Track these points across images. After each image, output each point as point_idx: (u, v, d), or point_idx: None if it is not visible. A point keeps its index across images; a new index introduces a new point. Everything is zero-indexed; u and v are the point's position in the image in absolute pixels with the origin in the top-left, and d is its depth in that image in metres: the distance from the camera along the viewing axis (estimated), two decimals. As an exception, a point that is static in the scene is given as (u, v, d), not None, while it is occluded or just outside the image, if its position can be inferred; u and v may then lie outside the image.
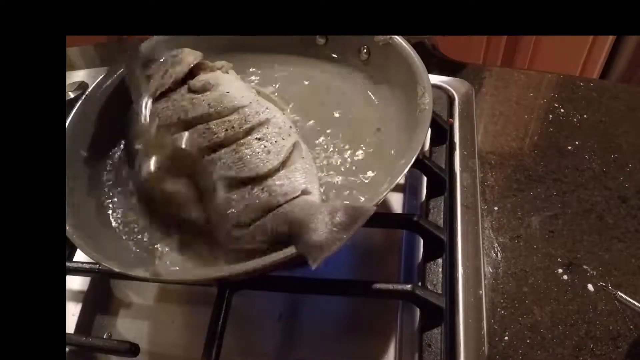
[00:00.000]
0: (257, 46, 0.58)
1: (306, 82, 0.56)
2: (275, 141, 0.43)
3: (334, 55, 0.58)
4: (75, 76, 0.74)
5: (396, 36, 0.51)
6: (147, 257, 0.44)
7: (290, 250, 0.36)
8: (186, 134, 0.44)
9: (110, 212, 0.48)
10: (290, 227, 0.38)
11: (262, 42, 0.58)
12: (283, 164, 0.42)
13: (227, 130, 0.44)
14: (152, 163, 0.45)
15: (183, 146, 0.44)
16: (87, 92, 0.52)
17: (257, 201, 0.40)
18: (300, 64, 0.58)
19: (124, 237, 0.46)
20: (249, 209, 0.40)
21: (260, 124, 0.44)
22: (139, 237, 0.46)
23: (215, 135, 0.43)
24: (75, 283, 0.53)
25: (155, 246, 0.44)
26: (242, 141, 0.43)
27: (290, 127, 0.46)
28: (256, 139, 0.43)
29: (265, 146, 0.43)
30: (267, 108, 0.46)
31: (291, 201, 0.40)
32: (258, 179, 0.41)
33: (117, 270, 0.38)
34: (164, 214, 0.45)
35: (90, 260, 0.51)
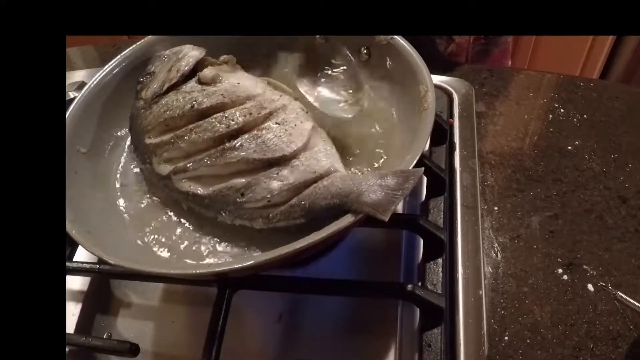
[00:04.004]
0: (256, 46, 0.58)
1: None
2: (295, 125, 0.43)
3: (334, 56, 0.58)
4: (75, 76, 0.74)
5: (397, 36, 0.51)
6: (157, 251, 0.44)
7: (352, 216, 0.36)
8: (203, 122, 0.44)
9: (118, 207, 0.47)
10: (339, 197, 0.38)
11: (261, 42, 0.58)
12: (305, 146, 0.42)
13: (245, 116, 0.43)
14: (169, 158, 0.45)
15: (200, 134, 0.44)
16: (87, 87, 0.51)
17: (288, 180, 0.40)
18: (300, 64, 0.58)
19: (132, 233, 0.45)
20: (282, 189, 0.40)
21: (277, 109, 0.44)
22: (151, 232, 0.45)
23: (234, 122, 0.43)
24: (75, 283, 0.53)
25: (176, 238, 0.45)
26: (261, 126, 0.43)
27: (307, 112, 0.46)
28: (275, 123, 0.43)
29: (286, 129, 0.43)
30: (280, 95, 0.46)
31: (326, 177, 0.40)
32: (284, 160, 0.41)
33: (112, 262, 0.38)
34: (184, 206, 0.46)
35: (91, 260, 0.51)
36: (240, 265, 0.36)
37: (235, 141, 0.42)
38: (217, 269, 0.38)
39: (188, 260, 0.43)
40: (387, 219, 0.35)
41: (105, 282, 0.53)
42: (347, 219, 0.36)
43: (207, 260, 0.43)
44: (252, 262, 0.36)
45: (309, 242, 0.35)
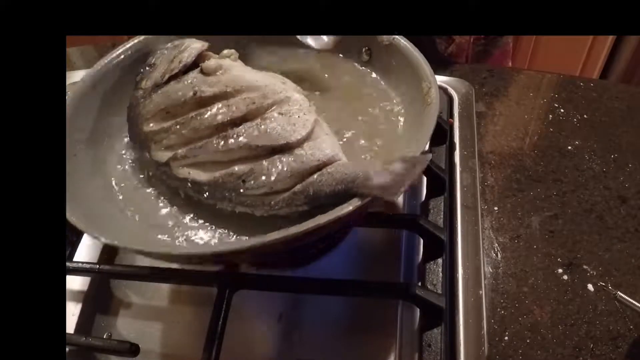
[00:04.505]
0: (256, 46, 0.58)
1: (308, 82, 0.56)
2: (298, 116, 0.43)
3: (335, 55, 0.58)
4: (75, 76, 0.73)
5: (398, 36, 0.51)
6: (156, 238, 0.44)
7: (358, 200, 0.36)
8: (205, 109, 0.44)
9: (117, 195, 0.47)
10: (345, 182, 0.37)
11: (262, 42, 0.58)
12: (309, 136, 0.42)
13: (248, 105, 0.43)
14: (169, 145, 0.45)
15: (202, 121, 0.43)
16: (85, 75, 0.51)
17: (292, 167, 0.40)
18: (301, 63, 0.58)
19: (131, 220, 0.45)
20: (285, 176, 0.40)
21: (281, 100, 0.44)
22: (150, 219, 0.45)
23: (237, 110, 0.43)
24: (75, 283, 0.53)
25: (174, 225, 0.44)
26: (265, 115, 0.43)
27: (310, 104, 0.46)
28: (279, 113, 0.43)
29: (289, 120, 0.42)
30: (284, 88, 0.46)
31: (331, 165, 0.40)
32: (287, 148, 0.41)
33: (108, 241, 0.38)
34: (182, 194, 0.45)
35: (90, 260, 0.51)
36: (241, 246, 0.36)
37: (238, 129, 0.42)
38: (217, 249, 0.38)
39: (186, 248, 0.43)
40: (395, 200, 0.35)
41: (105, 282, 0.53)
42: (353, 203, 0.36)
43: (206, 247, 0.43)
44: (254, 242, 0.35)
45: (314, 224, 0.34)
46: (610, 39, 1.30)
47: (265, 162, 0.41)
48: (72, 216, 0.39)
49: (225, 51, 0.50)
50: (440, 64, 0.72)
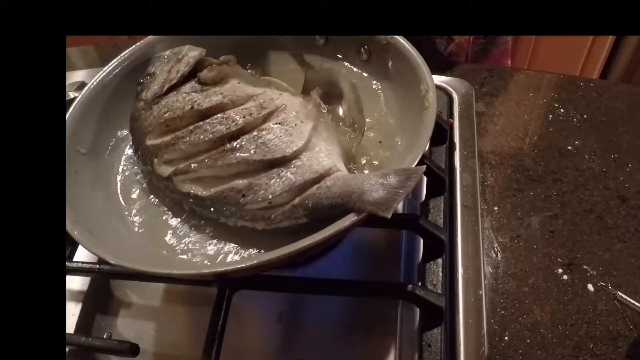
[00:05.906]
0: (256, 46, 0.58)
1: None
2: (295, 124, 0.43)
3: (334, 56, 0.58)
4: (75, 76, 0.74)
5: (397, 36, 0.51)
6: (159, 252, 0.44)
7: (354, 215, 0.36)
8: (203, 123, 0.44)
9: (119, 207, 0.47)
10: (342, 197, 0.38)
11: (261, 42, 0.58)
12: (306, 146, 0.42)
13: (245, 117, 0.43)
14: (170, 159, 0.45)
15: (201, 135, 0.43)
16: (87, 87, 0.51)
17: (290, 181, 0.40)
18: (300, 63, 0.58)
19: (133, 233, 0.45)
20: (283, 189, 0.40)
21: (277, 109, 0.44)
22: (152, 232, 0.45)
23: (234, 123, 0.43)
24: (75, 283, 0.53)
25: (177, 239, 0.44)
26: (262, 127, 0.43)
27: (309, 109, 0.46)
28: (276, 123, 0.43)
29: (286, 130, 0.43)
30: (280, 94, 0.46)
31: (329, 177, 0.40)
32: (284, 161, 0.41)
33: (112, 262, 0.38)
34: (185, 208, 0.45)
35: (91, 260, 0.51)
36: (242, 266, 0.36)
37: (236, 142, 0.42)
38: (219, 269, 0.38)
39: (190, 261, 0.43)
40: (389, 216, 0.35)
41: (105, 282, 0.53)
42: (350, 218, 0.36)
43: (209, 261, 0.43)
44: (255, 262, 0.36)
45: (311, 241, 0.35)
46: (610, 39, 1.30)
47: (263, 177, 0.41)
48: (74, 230, 0.39)
49: (223, 57, 0.50)
50: (440, 64, 0.72)
